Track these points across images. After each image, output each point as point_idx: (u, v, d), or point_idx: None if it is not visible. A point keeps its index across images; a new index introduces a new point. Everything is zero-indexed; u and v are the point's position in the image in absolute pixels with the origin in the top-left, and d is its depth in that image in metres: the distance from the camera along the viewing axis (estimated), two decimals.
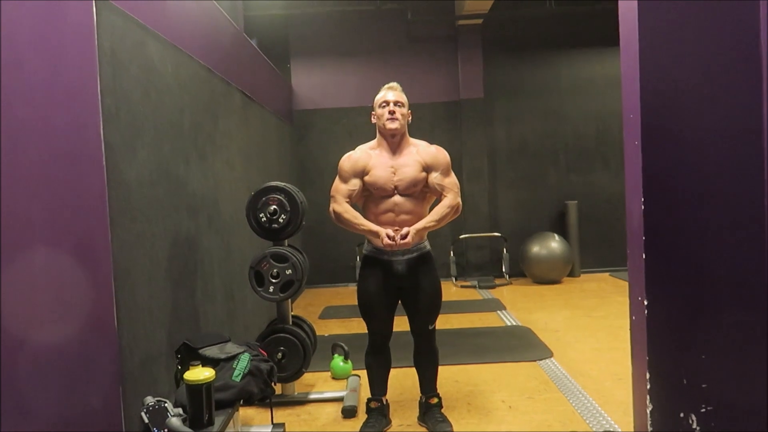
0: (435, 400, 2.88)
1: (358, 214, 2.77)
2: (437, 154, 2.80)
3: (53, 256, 1.86)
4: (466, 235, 7.17)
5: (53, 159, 1.89)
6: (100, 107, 2.20)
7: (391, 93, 2.77)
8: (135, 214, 2.48)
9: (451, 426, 2.80)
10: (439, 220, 2.75)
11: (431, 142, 2.89)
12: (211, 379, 2.00)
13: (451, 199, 2.76)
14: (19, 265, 1.67)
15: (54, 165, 1.89)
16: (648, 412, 2.16)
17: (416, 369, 2.93)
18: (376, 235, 2.68)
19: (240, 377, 2.22)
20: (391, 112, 2.72)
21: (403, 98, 2.79)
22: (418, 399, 2.94)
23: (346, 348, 3.66)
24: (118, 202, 2.32)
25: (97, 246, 2.13)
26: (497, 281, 6.94)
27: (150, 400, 1.98)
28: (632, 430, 2.35)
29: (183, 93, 3.16)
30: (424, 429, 2.83)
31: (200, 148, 3.39)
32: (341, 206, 2.76)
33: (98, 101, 2.19)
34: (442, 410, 2.88)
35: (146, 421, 1.94)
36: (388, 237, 2.64)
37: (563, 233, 7.09)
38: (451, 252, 7.12)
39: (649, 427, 2.17)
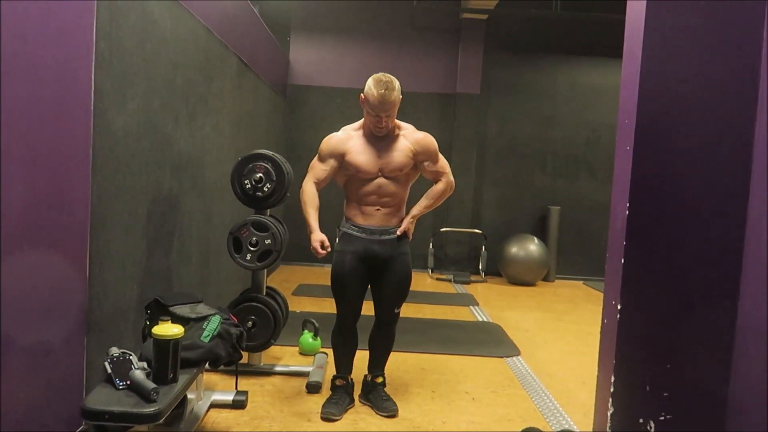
0: (380, 379, 2.91)
1: (311, 202, 2.76)
2: (426, 141, 2.79)
3: (29, 194, 1.82)
4: (447, 229, 7.19)
5: (40, 96, 1.84)
6: (94, 50, 2.15)
7: (382, 108, 2.59)
8: (118, 164, 2.43)
9: (396, 405, 2.82)
10: (432, 204, 2.87)
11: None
12: (180, 336, 1.97)
13: (444, 183, 2.83)
14: None
15: (40, 102, 1.84)
16: (609, 414, 2.19)
17: (369, 347, 2.95)
18: (310, 229, 2.75)
19: (209, 338, 2.19)
20: (383, 124, 2.65)
21: (395, 102, 2.62)
22: (363, 377, 2.95)
23: (316, 325, 3.65)
24: (103, 149, 2.27)
25: (77, 191, 2.09)
26: (473, 277, 6.98)
27: (115, 350, 1.96)
28: (591, 431, 2.37)
29: (179, 50, 3.10)
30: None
31: (191, 107, 3.34)
32: (307, 185, 2.78)
33: (92, 44, 2.14)
34: (386, 389, 2.91)
35: (109, 371, 1.91)
36: (318, 247, 2.69)
37: (543, 237, 7.14)
38: (431, 244, 7.14)
39: (608, 429, 2.19)
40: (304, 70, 7.36)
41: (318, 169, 2.79)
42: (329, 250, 2.70)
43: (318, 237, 2.71)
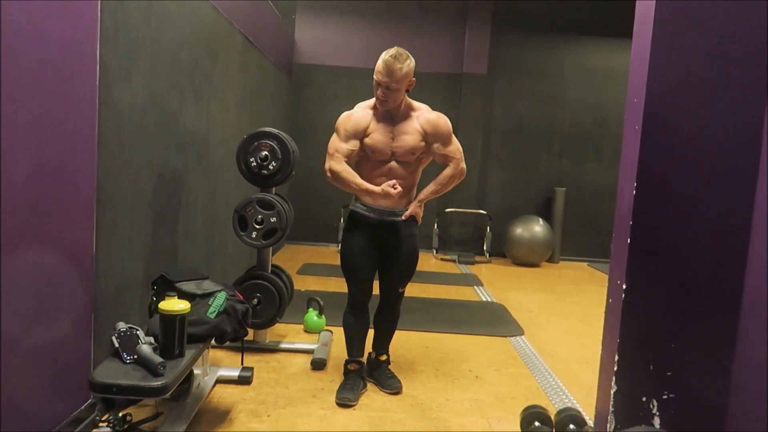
0: (384, 357, 2.93)
1: (355, 174, 2.69)
2: (438, 122, 2.71)
3: (36, 169, 1.82)
4: (452, 210, 7.18)
5: (45, 70, 1.84)
6: (99, 26, 2.13)
7: (386, 73, 2.54)
8: (123, 140, 2.43)
9: (400, 383, 2.84)
10: (439, 190, 2.79)
11: None
12: (186, 312, 1.98)
13: (452, 168, 2.74)
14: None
15: (45, 77, 1.84)
16: (612, 393, 2.20)
17: (374, 326, 2.95)
18: (372, 193, 2.65)
19: (215, 314, 2.21)
20: (383, 94, 2.60)
21: (401, 74, 2.54)
22: (367, 355, 2.97)
23: (321, 303, 3.66)
24: (108, 125, 2.26)
25: (83, 166, 2.09)
26: (477, 258, 6.98)
27: (122, 325, 1.97)
28: (594, 409, 2.39)
29: (184, 27, 3.08)
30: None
31: (196, 85, 3.32)
32: (340, 165, 2.67)
33: (97, 19, 2.12)
34: (390, 367, 2.94)
35: (116, 345, 1.93)
36: (390, 189, 2.59)
37: (548, 218, 7.13)
38: (435, 225, 7.14)
39: (610, 407, 2.21)
40: (310, 49, 7.31)
41: (344, 149, 2.67)
42: (399, 189, 2.62)
43: (381, 188, 2.61)
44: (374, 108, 2.71)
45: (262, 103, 5.36)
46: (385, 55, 2.57)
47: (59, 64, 1.90)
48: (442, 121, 2.73)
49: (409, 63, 2.58)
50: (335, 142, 2.70)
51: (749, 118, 2.10)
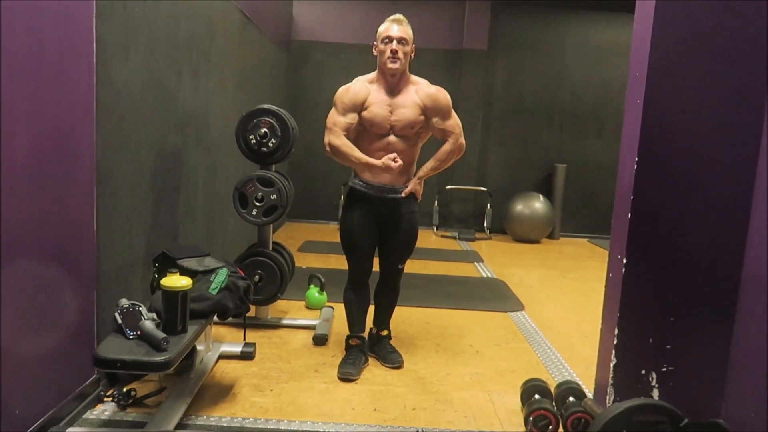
0: (385, 332, 2.95)
1: (355, 147, 2.68)
2: (437, 95, 2.70)
3: (35, 147, 1.82)
4: (452, 187, 7.17)
5: (41, 45, 1.82)
6: (94, 1, 2.11)
7: (396, 27, 2.61)
8: (122, 118, 2.42)
9: (402, 357, 2.87)
10: (439, 166, 2.78)
11: None
12: (188, 288, 1.99)
13: (451, 143, 2.73)
14: None
15: (40, 53, 1.82)
16: (611, 366, 2.22)
17: (375, 303, 2.96)
18: (372, 167, 2.64)
19: (217, 290, 2.22)
20: (393, 52, 2.58)
21: (409, 33, 2.64)
22: (368, 330, 2.99)
23: (322, 279, 3.68)
24: (106, 102, 2.25)
25: (82, 144, 2.08)
26: (477, 235, 6.99)
27: (124, 302, 1.98)
28: (593, 383, 2.41)
29: (181, 2, 3.04)
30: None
31: (194, 62, 3.29)
32: (339, 139, 2.66)
33: None
34: (391, 342, 2.96)
35: (119, 321, 1.94)
36: (391, 162, 2.58)
37: (548, 195, 7.12)
38: (436, 201, 7.13)
39: (610, 380, 2.23)
40: (308, 26, 7.23)
41: (342, 122, 2.66)
42: (400, 162, 2.61)
43: (381, 161, 2.61)
44: (373, 81, 2.71)
45: (261, 80, 5.32)
46: (388, 18, 2.66)
47: (56, 41, 1.89)
48: (442, 94, 2.71)
49: (411, 31, 2.67)
50: (333, 116, 2.69)
51: (752, 91, 2.09)
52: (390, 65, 2.61)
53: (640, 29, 2.15)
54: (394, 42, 2.59)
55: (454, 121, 2.74)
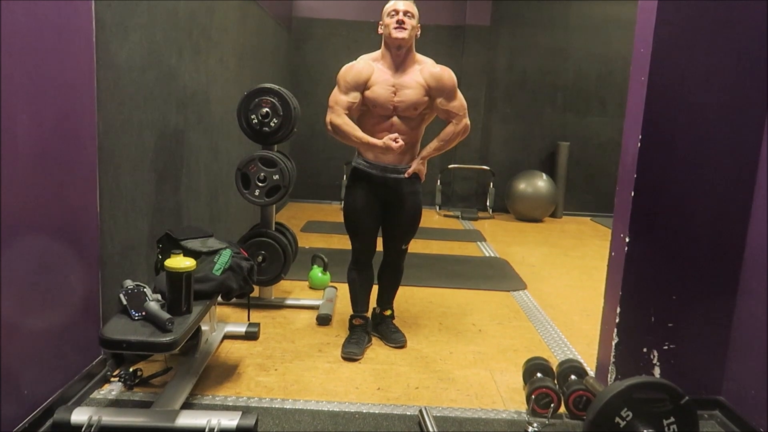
0: (389, 312, 2.97)
1: (356, 126, 2.66)
2: (442, 75, 2.66)
3: (37, 128, 1.81)
4: (455, 166, 7.14)
5: (40, 27, 1.80)
6: None
7: (402, 2, 2.59)
8: (123, 98, 2.40)
9: (405, 336, 2.89)
10: (442, 147, 2.75)
11: None
12: (192, 269, 2.00)
13: (456, 124, 2.71)
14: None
15: (38, 33, 1.80)
16: (613, 344, 2.24)
17: (378, 283, 2.97)
18: (373, 147, 2.63)
19: (220, 271, 2.23)
20: (400, 21, 2.55)
21: (414, 9, 2.61)
22: (372, 310, 3.01)
23: (325, 260, 3.69)
24: (107, 82, 2.24)
25: (83, 124, 2.07)
26: (480, 214, 6.99)
27: (129, 283, 1.99)
28: (595, 361, 2.43)
29: None
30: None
31: (194, 41, 3.26)
32: (340, 118, 2.64)
33: None
34: (394, 322, 2.98)
35: (124, 302, 1.96)
36: (392, 143, 2.56)
37: (551, 173, 7.09)
38: (438, 181, 7.12)
39: (612, 358, 2.24)
40: (309, 2, 7.14)
41: (344, 101, 2.63)
42: (401, 142, 2.59)
43: (383, 141, 2.59)
44: (378, 60, 2.67)
45: (262, 58, 5.28)
46: None
47: (54, 20, 1.87)
48: (447, 74, 2.67)
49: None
50: (335, 95, 2.67)
51: (758, 67, 2.07)
52: (396, 34, 2.55)
53: (645, 5, 2.12)
54: (401, 13, 2.57)
55: (459, 102, 2.70)
